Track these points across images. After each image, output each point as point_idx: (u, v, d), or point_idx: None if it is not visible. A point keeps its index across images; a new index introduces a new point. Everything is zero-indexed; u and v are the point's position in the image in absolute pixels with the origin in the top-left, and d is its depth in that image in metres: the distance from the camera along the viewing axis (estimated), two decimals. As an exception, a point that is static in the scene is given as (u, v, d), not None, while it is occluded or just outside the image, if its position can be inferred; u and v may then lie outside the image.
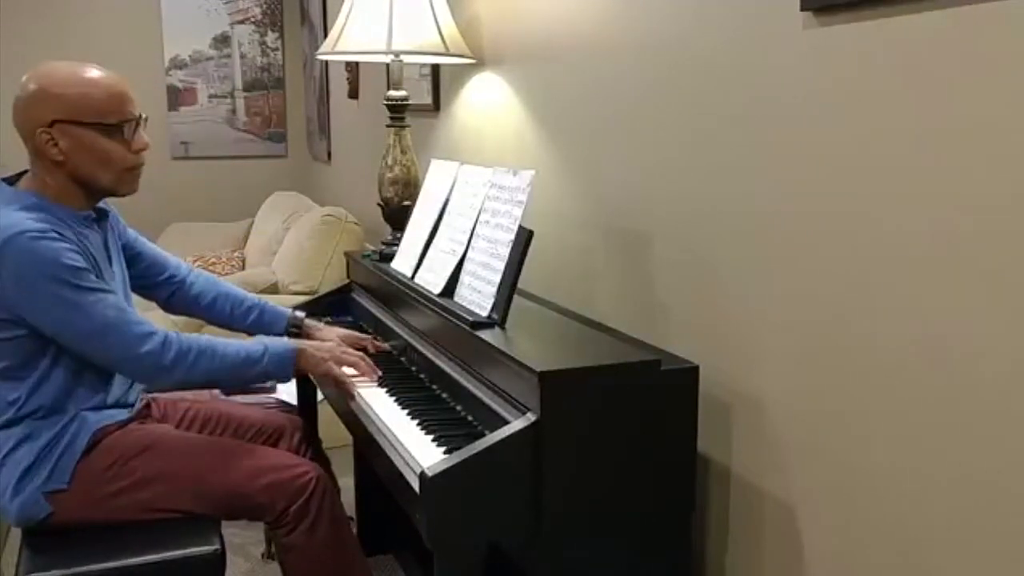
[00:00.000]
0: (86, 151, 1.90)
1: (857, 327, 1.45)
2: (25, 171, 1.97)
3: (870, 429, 1.44)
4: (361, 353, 2.13)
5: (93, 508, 1.94)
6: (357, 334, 2.35)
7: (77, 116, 1.88)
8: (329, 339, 2.25)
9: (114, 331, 1.86)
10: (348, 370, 2.08)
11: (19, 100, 1.90)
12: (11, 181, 1.97)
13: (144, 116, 1.99)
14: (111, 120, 1.91)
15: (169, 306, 2.34)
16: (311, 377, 2.35)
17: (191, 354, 1.91)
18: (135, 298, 2.19)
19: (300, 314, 2.37)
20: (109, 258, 2.05)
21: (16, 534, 2.08)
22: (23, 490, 1.90)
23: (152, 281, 2.27)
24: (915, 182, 1.33)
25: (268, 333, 2.25)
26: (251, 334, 2.28)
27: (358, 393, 2.01)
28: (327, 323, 2.64)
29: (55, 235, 1.82)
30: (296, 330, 2.33)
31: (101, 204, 2.05)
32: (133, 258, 2.22)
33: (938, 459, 1.33)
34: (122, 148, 1.93)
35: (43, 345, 1.88)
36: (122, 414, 2.03)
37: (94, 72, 1.93)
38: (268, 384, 2.83)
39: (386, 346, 2.31)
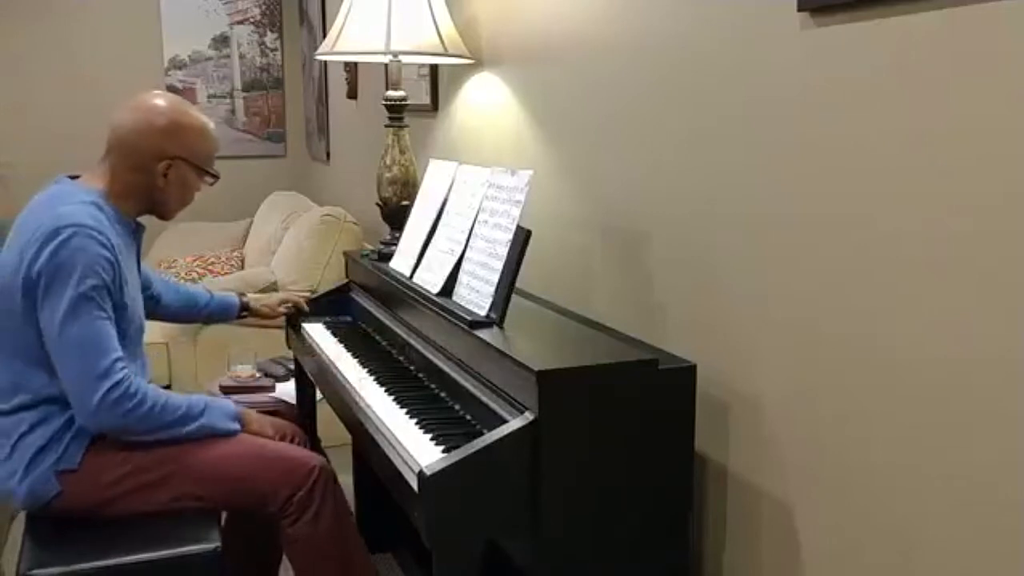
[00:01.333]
0: (183, 187, 2.12)
1: (855, 327, 1.45)
2: (76, 175, 2.08)
3: (868, 428, 1.44)
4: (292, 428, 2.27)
5: (100, 491, 1.96)
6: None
7: (197, 160, 2.11)
8: (272, 304, 2.68)
9: (81, 352, 1.89)
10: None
11: (150, 124, 2.04)
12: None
13: None
14: (210, 169, 2.15)
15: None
16: (310, 376, 2.41)
17: (134, 399, 1.91)
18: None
19: (244, 298, 2.66)
20: (138, 269, 2.17)
21: (17, 530, 2.08)
22: (33, 470, 1.94)
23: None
24: (913, 182, 1.33)
25: (225, 317, 2.63)
26: (208, 322, 2.77)
27: (357, 392, 2.01)
28: (326, 323, 2.65)
29: (104, 239, 1.92)
30: (246, 313, 2.64)
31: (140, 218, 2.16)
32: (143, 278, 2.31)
33: (936, 459, 1.33)
34: (197, 189, 2.17)
35: None
36: None
37: (211, 122, 2.16)
38: (268, 383, 2.84)
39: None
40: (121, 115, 2.06)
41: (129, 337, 2.02)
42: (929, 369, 1.32)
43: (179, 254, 5.14)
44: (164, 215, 2.17)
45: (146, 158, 2.05)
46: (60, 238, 1.87)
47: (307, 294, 2.57)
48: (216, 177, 2.15)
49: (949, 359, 1.29)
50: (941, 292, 1.30)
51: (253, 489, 2.02)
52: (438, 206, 2.21)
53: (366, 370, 2.18)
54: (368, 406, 1.93)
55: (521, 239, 1.83)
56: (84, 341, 1.88)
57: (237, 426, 2.09)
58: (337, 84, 4.94)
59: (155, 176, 2.06)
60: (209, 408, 2.05)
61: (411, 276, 2.23)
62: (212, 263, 4.99)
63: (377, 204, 2.74)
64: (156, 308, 2.44)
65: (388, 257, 2.51)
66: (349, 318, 2.73)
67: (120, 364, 1.92)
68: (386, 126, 2.71)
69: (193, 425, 2.01)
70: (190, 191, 2.15)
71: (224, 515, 2.15)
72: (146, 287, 2.34)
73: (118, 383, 1.89)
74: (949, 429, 1.30)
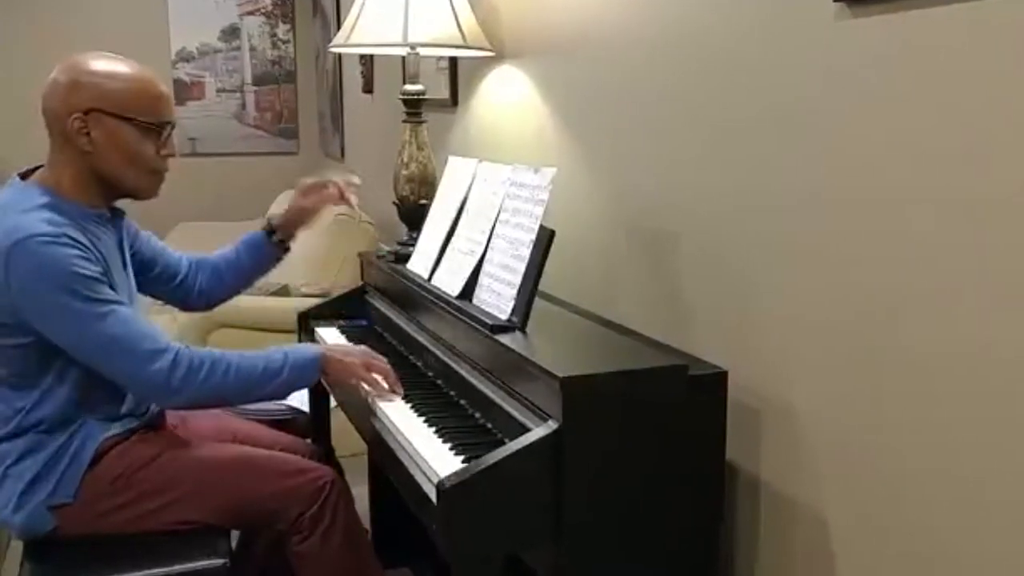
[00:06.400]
0: (117, 146, 1.91)
1: (892, 331, 1.45)
2: (38, 166, 1.97)
3: (906, 437, 1.44)
4: (387, 366, 2.08)
5: (100, 521, 1.95)
6: None
7: (117, 109, 1.89)
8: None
9: (122, 347, 1.84)
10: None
11: (55, 84, 1.89)
12: (23, 176, 1.97)
13: (174, 123, 2.02)
14: (150, 120, 1.93)
15: (188, 309, 2.47)
16: (325, 383, 2.26)
17: (203, 370, 1.88)
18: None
19: (272, 220, 2.47)
20: (122, 260, 2.06)
21: (17, 545, 2.10)
22: (27, 504, 1.91)
23: (167, 287, 2.30)
24: (954, 181, 1.33)
25: (259, 255, 2.43)
26: (256, 270, 2.47)
27: (373, 399, 2.03)
28: (340, 327, 2.67)
29: (67, 240, 1.81)
30: (275, 235, 2.43)
31: (116, 204, 2.06)
32: (148, 262, 2.24)
33: (979, 468, 1.33)
34: (152, 150, 1.96)
35: (52, 354, 1.88)
36: (131, 423, 2.03)
37: (139, 69, 1.95)
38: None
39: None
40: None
41: None
42: (971, 375, 1.32)
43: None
44: (133, 191, 1.98)
45: (61, 123, 1.87)
46: (16, 255, 1.78)
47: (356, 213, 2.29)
48: (157, 124, 1.94)
49: (989, 365, 1.29)
50: (982, 297, 1.30)
51: (262, 508, 2.01)
52: (457, 205, 2.23)
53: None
54: (384, 414, 1.95)
55: (544, 239, 1.84)
56: (113, 338, 1.83)
57: (318, 375, 2.01)
58: (352, 78, 4.98)
59: (77, 140, 1.87)
60: (290, 359, 1.97)
61: (429, 278, 2.24)
62: (221, 264, 5.02)
63: (394, 203, 2.76)
64: (182, 291, 2.33)
65: (405, 258, 2.52)
66: (364, 321, 2.75)
67: (164, 338, 1.88)
68: (403, 122, 2.73)
69: (276, 381, 1.95)
70: (135, 152, 1.92)
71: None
72: (150, 268, 2.25)
73: (176, 356, 1.86)
74: (993, 439, 1.30)
